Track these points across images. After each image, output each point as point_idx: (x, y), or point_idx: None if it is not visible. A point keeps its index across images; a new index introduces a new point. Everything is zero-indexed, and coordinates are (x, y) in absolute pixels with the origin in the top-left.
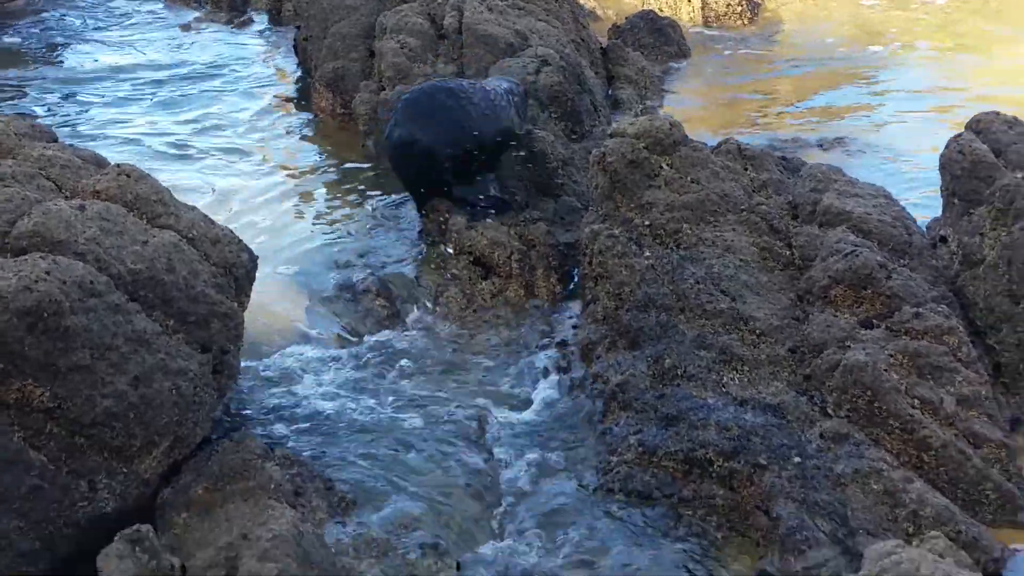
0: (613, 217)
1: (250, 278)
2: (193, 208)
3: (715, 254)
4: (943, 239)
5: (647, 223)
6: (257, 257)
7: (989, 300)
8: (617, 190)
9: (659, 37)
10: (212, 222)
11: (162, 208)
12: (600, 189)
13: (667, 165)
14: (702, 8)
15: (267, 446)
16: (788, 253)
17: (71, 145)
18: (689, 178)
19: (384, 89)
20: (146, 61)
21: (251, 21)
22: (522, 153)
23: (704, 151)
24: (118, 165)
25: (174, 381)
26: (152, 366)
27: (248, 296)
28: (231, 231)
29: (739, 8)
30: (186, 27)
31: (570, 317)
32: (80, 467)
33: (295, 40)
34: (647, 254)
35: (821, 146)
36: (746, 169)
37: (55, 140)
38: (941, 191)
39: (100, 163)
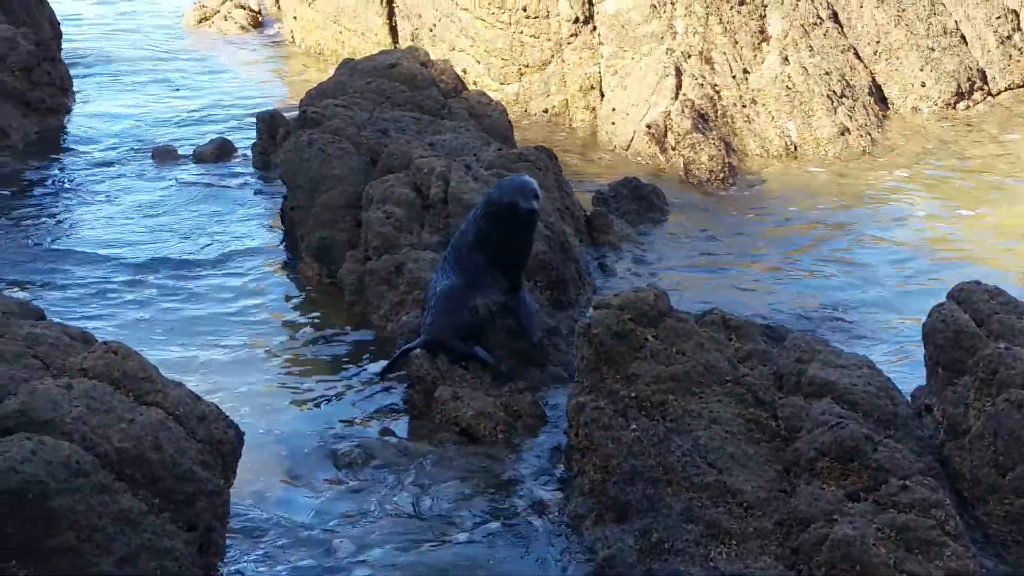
0: (599, 389)
1: (236, 454)
2: (180, 384)
3: (701, 426)
4: (928, 408)
5: (633, 395)
6: (243, 433)
7: (976, 471)
8: (603, 361)
9: (643, 204)
10: (199, 398)
11: (149, 385)
12: (585, 360)
13: (652, 336)
14: (684, 174)
15: None
16: (774, 424)
17: (59, 323)
18: (675, 349)
19: (370, 259)
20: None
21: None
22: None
23: (689, 322)
24: (105, 342)
25: (160, 562)
26: (138, 547)
27: (234, 472)
28: (217, 407)
29: (721, 174)
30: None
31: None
32: None
33: (282, 209)
34: (633, 426)
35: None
36: (731, 339)
37: (42, 318)
38: (925, 360)
39: (88, 340)
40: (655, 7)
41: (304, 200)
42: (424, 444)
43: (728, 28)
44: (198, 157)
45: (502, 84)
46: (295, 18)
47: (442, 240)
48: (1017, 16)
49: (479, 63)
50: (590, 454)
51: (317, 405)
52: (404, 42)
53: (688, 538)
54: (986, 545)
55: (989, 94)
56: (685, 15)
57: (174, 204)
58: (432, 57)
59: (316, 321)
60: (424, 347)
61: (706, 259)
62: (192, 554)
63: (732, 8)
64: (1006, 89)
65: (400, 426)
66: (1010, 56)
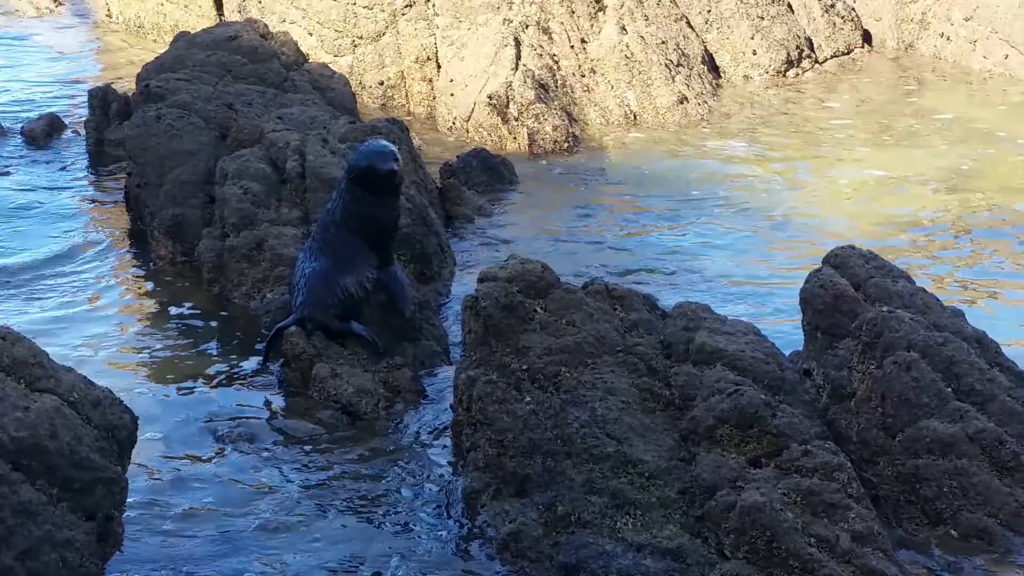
0: (488, 362)
1: (132, 440)
2: (71, 369)
3: (597, 397)
4: (807, 372)
5: (525, 367)
6: (138, 418)
7: (863, 434)
8: (491, 334)
9: (492, 175)
10: (92, 383)
11: (40, 371)
12: (473, 334)
13: (541, 308)
14: (529, 144)
15: None
16: (668, 393)
17: None
18: (564, 320)
19: (227, 236)
20: None
21: (71, 163)
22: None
23: (578, 293)
24: None
25: (61, 553)
26: (39, 539)
27: (129, 459)
28: (111, 392)
29: (565, 144)
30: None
31: (439, 463)
32: None
33: (126, 187)
34: (527, 399)
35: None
36: (615, 309)
37: None
38: (803, 324)
39: None
40: None
41: (153, 177)
42: (304, 423)
43: None
44: (28, 135)
45: (335, 56)
46: None
47: (301, 215)
48: None
49: (311, 35)
50: (483, 428)
51: (191, 390)
52: (230, 15)
53: (593, 510)
54: (875, 507)
55: (816, 61)
56: None
57: (2, 195)
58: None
59: (177, 303)
60: (298, 325)
61: (557, 227)
62: (92, 544)
63: None
64: (831, 56)
65: (277, 405)
66: (834, 24)
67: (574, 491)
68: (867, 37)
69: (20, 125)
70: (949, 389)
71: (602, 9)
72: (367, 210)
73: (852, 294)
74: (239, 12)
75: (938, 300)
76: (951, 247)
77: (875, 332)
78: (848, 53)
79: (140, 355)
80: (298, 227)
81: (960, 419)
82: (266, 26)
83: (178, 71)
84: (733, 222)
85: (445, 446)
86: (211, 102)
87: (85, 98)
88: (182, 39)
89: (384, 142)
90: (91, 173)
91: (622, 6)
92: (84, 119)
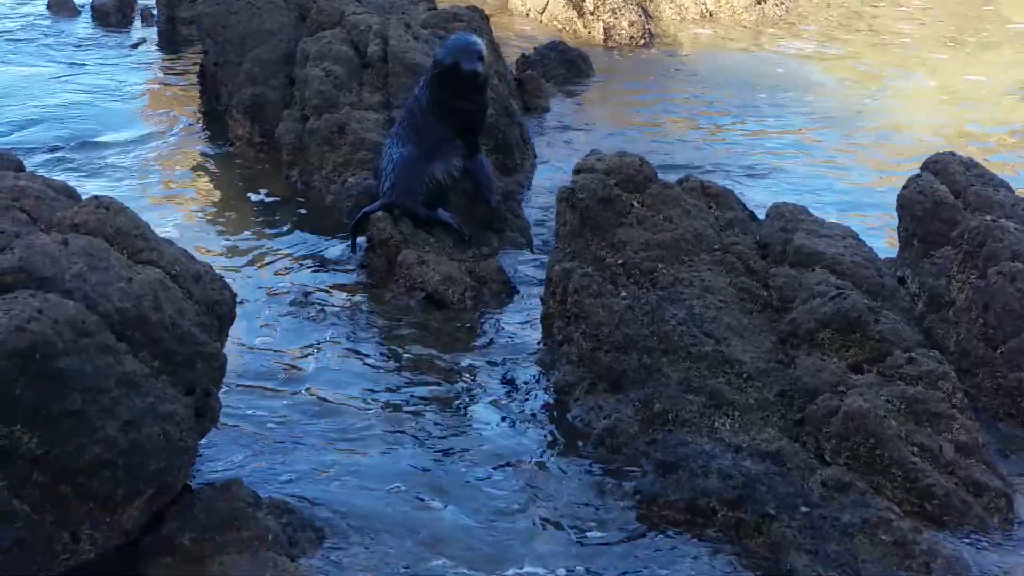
0: (583, 255)
1: (231, 316)
2: (172, 243)
3: (694, 295)
4: (901, 280)
5: (620, 262)
6: (236, 294)
7: (962, 344)
8: (587, 227)
9: (570, 68)
10: (193, 258)
11: (143, 243)
12: (569, 226)
13: (638, 202)
14: (604, 38)
15: (255, 492)
16: (765, 294)
17: (41, 175)
18: (661, 216)
19: (308, 118)
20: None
21: (143, 41)
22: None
23: (675, 188)
24: (95, 197)
25: (162, 426)
26: (142, 410)
27: (227, 335)
28: (211, 267)
29: (641, 39)
30: (76, 46)
31: (528, 355)
32: (64, 517)
33: (201, 66)
34: (623, 294)
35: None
36: (710, 207)
37: (22, 169)
38: (898, 231)
39: (71, 194)
40: None
41: (232, 55)
42: (389, 309)
43: None
44: (98, 11)
45: None
46: None
47: (383, 100)
48: None
49: None
50: (578, 322)
51: (275, 273)
52: None
53: (691, 408)
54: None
55: None
56: None
57: (76, 70)
58: None
59: (256, 185)
60: (384, 210)
61: (635, 122)
62: (190, 418)
63: None
64: None
65: (362, 291)
66: None
67: (671, 389)
68: None
69: (90, 1)
70: None
71: None
72: (453, 103)
73: (952, 201)
74: None
75: None
76: None
77: (977, 241)
78: None
79: (221, 237)
80: (379, 112)
81: None
82: None
83: None
84: (813, 123)
85: (533, 338)
86: None
87: None
88: None
89: (472, 38)
90: (162, 51)
91: None
92: None
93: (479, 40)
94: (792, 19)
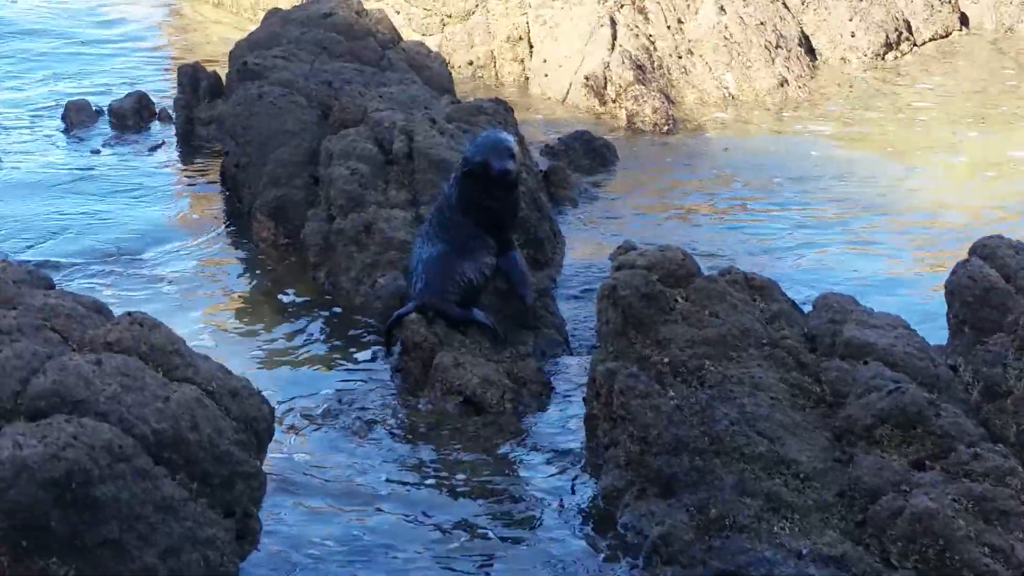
0: (627, 354)
1: (270, 432)
2: (207, 358)
3: (744, 392)
4: (953, 368)
5: (667, 360)
6: (274, 409)
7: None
8: (630, 325)
9: (595, 158)
10: (229, 372)
11: (179, 359)
12: (611, 324)
13: (682, 298)
14: (628, 124)
15: None
16: (818, 390)
17: (71, 292)
18: (707, 311)
19: (334, 218)
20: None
21: (162, 144)
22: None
23: (720, 282)
24: (128, 313)
25: (202, 552)
26: (181, 536)
27: (266, 453)
28: (249, 382)
29: (665, 126)
30: (95, 151)
31: (573, 459)
32: None
33: (222, 168)
34: (671, 394)
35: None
36: (754, 299)
37: (52, 286)
38: (948, 318)
39: (101, 310)
40: None
41: (255, 156)
42: (427, 415)
43: None
44: (116, 114)
45: (423, 35)
46: None
47: (409, 198)
48: None
49: (398, 13)
50: (625, 424)
51: (307, 380)
52: None
53: (748, 512)
54: None
55: (914, 44)
56: None
57: (96, 177)
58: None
59: (283, 287)
60: (417, 312)
61: (665, 211)
62: (231, 542)
63: None
64: (930, 39)
65: (398, 396)
66: (932, 6)
67: (725, 492)
68: (964, 20)
69: (107, 104)
70: None
71: None
72: (483, 201)
73: (1004, 286)
74: None
75: None
76: None
77: None
78: (946, 36)
79: (251, 342)
80: (406, 210)
81: None
82: (360, 3)
83: (272, 48)
84: (847, 207)
85: (577, 442)
86: (310, 80)
87: (170, 76)
88: (275, 16)
89: (502, 134)
90: (182, 152)
91: None
92: (174, 97)
93: (510, 137)
94: (815, 99)
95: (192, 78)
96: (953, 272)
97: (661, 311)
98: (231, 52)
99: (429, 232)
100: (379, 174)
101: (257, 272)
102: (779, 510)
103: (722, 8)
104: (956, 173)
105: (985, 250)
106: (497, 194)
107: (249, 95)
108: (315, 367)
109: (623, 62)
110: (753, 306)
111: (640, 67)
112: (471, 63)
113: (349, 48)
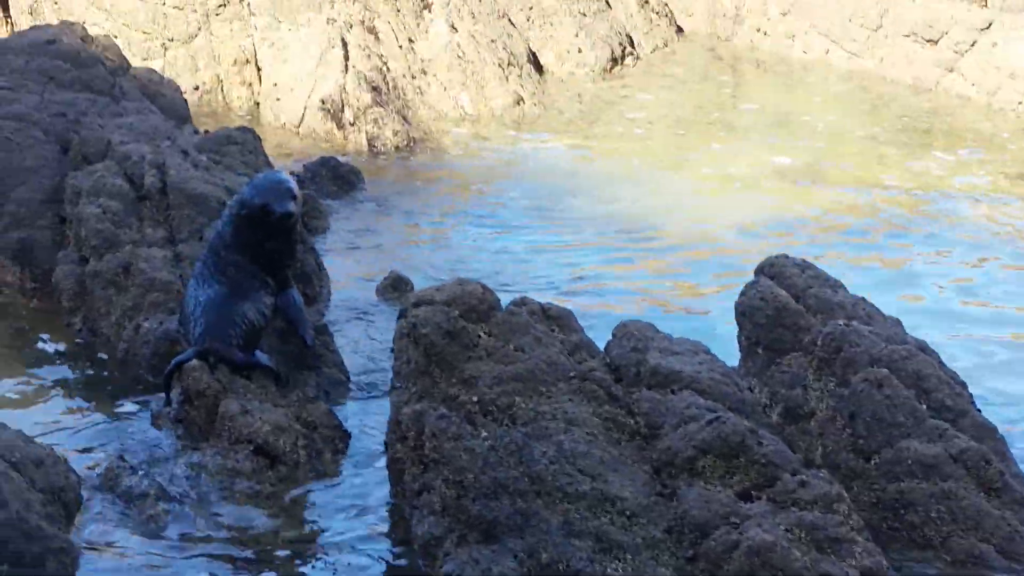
0: (432, 394)
1: (78, 503)
2: (4, 425)
3: (560, 429)
4: (748, 391)
5: (475, 399)
6: (81, 478)
7: (832, 457)
8: (434, 364)
9: (342, 183)
10: (31, 440)
11: None
12: (413, 364)
13: (485, 333)
14: (368, 148)
15: None
16: (632, 422)
17: None
18: (511, 346)
19: (87, 260)
20: None
21: None
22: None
23: (521, 314)
24: None
25: None
26: None
27: (75, 524)
28: (52, 450)
29: (406, 149)
30: None
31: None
32: None
33: None
34: (484, 434)
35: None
36: (553, 330)
37: None
38: (739, 340)
39: None
40: None
41: None
42: (216, 469)
43: None
44: None
45: (145, 60)
46: None
47: (167, 235)
48: None
49: (117, 37)
50: (438, 468)
51: (73, 439)
52: (20, 16)
53: (581, 556)
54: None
55: (637, 57)
56: None
57: None
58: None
59: (35, 335)
60: (198, 358)
61: (418, 230)
62: None
63: None
64: (652, 51)
65: (182, 451)
66: (651, 20)
67: (552, 534)
68: (681, 32)
69: None
70: (923, 406)
71: (428, 7)
72: (262, 243)
73: (795, 306)
74: (30, 13)
75: (878, 309)
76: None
77: (833, 347)
78: (667, 46)
79: (5, 399)
80: (165, 248)
81: (940, 438)
82: (84, 28)
83: None
84: (602, 225)
85: (382, 489)
86: (42, 112)
87: None
88: None
89: (281, 175)
90: None
91: (448, 3)
92: None
93: (288, 178)
94: (550, 115)
95: None
96: (743, 293)
97: (465, 348)
98: None
99: (204, 273)
100: (132, 211)
101: (4, 321)
102: (611, 550)
103: (453, 26)
104: (679, 186)
105: (772, 269)
106: (277, 236)
107: None
108: (87, 424)
109: (359, 84)
110: (554, 337)
111: (376, 89)
112: (197, 88)
113: (78, 76)
